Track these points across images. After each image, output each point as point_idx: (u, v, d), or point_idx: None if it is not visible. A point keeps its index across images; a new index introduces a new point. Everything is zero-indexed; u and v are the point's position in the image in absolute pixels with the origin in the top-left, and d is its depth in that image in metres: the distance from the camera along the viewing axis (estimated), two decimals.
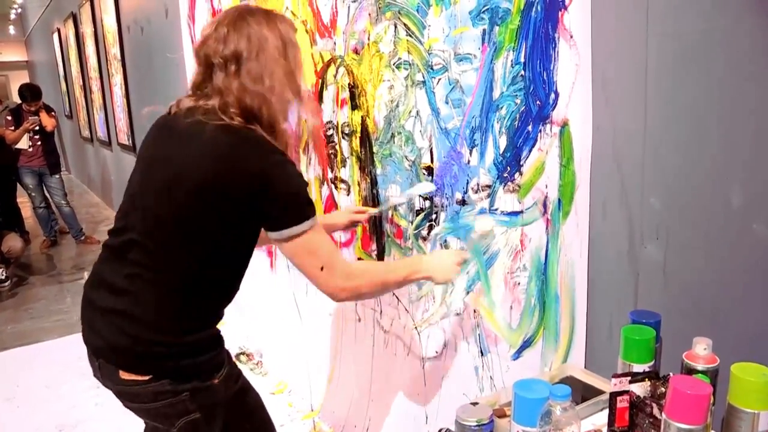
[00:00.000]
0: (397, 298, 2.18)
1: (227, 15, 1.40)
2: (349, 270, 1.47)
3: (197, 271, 1.37)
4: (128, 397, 1.42)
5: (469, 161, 1.78)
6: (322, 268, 1.40)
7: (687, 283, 1.29)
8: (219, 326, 1.49)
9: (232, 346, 3.18)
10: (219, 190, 1.31)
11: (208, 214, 1.33)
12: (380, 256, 2.22)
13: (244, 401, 1.56)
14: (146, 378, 1.36)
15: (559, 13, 1.44)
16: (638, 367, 1.14)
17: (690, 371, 1.08)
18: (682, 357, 1.10)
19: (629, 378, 1.09)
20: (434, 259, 1.64)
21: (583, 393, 1.37)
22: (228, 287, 1.48)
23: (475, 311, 1.86)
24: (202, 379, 1.41)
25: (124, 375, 1.37)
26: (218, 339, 1.47)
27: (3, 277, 4.70)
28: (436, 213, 1.95)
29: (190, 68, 3.66)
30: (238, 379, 1.56)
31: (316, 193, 2.54)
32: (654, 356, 1.16)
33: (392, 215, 2.12)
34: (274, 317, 3.10)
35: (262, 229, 1.39)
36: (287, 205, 1.35)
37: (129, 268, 1.38)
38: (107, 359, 1.40)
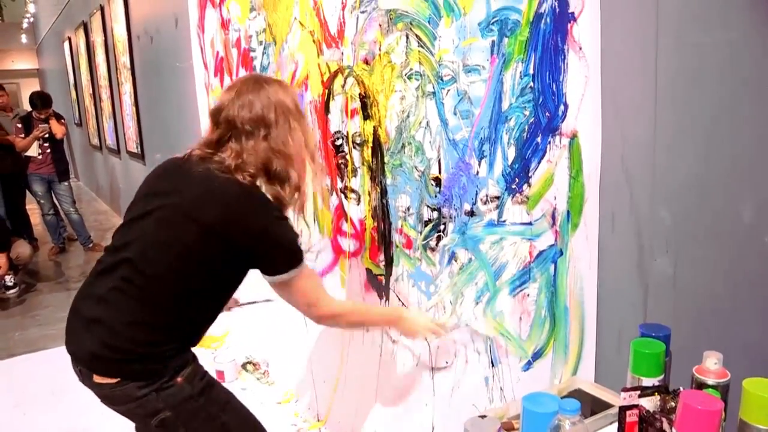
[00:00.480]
0: (404, 306, 2.18)
1: (246, 82, 1.56)
2: (332, 309, 1.69)
3: (182, 298, 1.50)
4: (107, 400, 1.56)
5: (477, 172, 1.78)
6: (308, 306, 1.64)
7: (697, 297, 1.29)
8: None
9: (238, 355, 3.18)
10: (223, 235, 1.45)
11: (208, 253, 1.47)
12: (388, 266, 2.22)
13: (213, 395, 1.62)
14: (114, 381, 1.48)
15: (569, 25, 1.45)
16: (648, 381, 1.13)
17: (700, 386, 1.07)
18: (692, 371, 1.09)
19: (639, 392, 1.08)
20: (411, 320, 1.88)
21: (592, 406, 1.36)
22: (205, 318, 1.60)
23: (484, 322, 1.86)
24: (166, 379, 1.50)
25: (97, 379, 1.50)
26: (186, 348, 1.57)
27: (11, 284, 4.71)
28: (444, 224, 1.94)
29: (200, 77, 3.69)
30: (204, 377, 1.61)
31: (323, 203, 2.55)
32: (664, 370, 1.15)
33: (402, 226, 2.12)
34: (281, 326, 3.10)
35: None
36: (281, 256, 1.53)
37: (116, 282, 1.49)
38: (85, 365, 1.53)
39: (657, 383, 1.12)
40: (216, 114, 1.56)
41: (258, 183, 1.51)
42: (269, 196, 1.52)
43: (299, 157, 1.56)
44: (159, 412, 1.51)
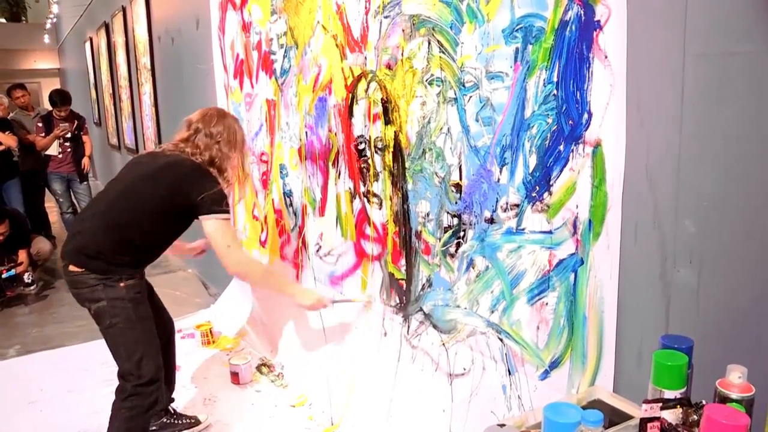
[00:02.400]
0: (424, 312, 2.17)
1: (216, 110, 2.45)
2: (245, 257, 2.48)
3: (141, 227, 2.22)
4: (72, 284, 2.21)
5: (498, 179, 1.77)
6: (227, 247, 2.26)
7: (721, 309, 1.27)
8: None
9: (253, 357, 3.19)
10: (178, 187, 2.22)
11: (166, 199, 2.22)
12: (409, 271, 2.22)
13: (139, 308, 2.22)
14: (80, 270, 2.16)
15: (594, 33, 1.44)
16: (669, 394, 1.12)
17: (724, 399, 1.05)
18: (716, 385, 1.08)
19: (660, 404, 1.07)
20: (301, 293, 2.57)
21: (611, 417, 1.34)
22: (154, 246, 2.32)
23: (500, 330, 1.85)
24: (114, 279, 2.16)
25: (71, 267, 2.18)
26: (138, 268, 2.26)
27: (30, 281, 4.76)
28: (464, 230, 1.94)
29: (220, 79, 3.71)
30: (139, 293, 2.24)
31: (347, 206, 2.55)
32: (686, 383, 1.14)
33: (421, 231, 2.12)
34: (296, 329, 3.10)
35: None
36: (209, 202, 2.20)
37: (98, 209, 2.28)
38: (67, 257, 2.20)
39: (679, 396, 1.11)
40: (189, 123, 2.38)
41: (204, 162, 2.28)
42: (212, 173, 2.28)
43: (229, 159, 2.35)
44: (99, 300, 2.16)
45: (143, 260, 2.29)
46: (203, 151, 2.29)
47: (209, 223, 2.22)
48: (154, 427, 2.59)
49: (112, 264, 2.16)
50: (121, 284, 2.17)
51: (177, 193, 2.21)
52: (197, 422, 2.71)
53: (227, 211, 2.24)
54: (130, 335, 2.19)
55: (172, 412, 2.68)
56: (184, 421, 2.68)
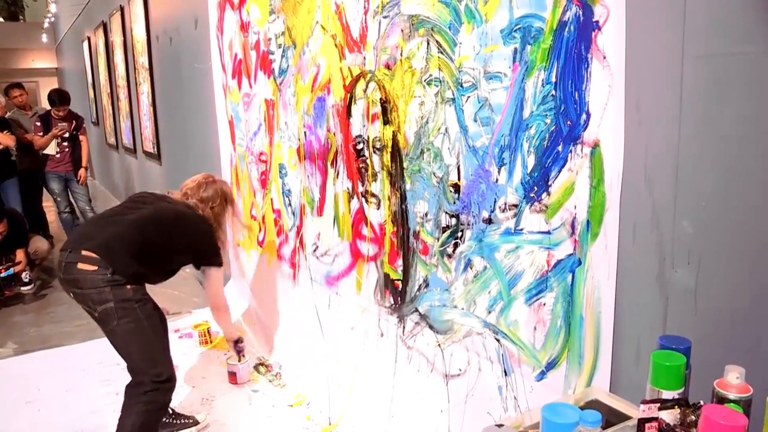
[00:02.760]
0: (420, 313, 2.17)
1: (206, 178, 2.78)
2: (224, 304, 2.89)
3: (151, 258, 2.39)
4: (75, 283, 2.25)
5: (497, 180, 1.77)
6: (216, 293, 2.78)
7: (719, 310, 1.27)
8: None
9: (251, 357, 3.19)
10: (196, 243, 2.62)
11: (185, 245, 2.57)
12: (405, 271, 2.22)
13: (145, 307, 2.31)
14: (93, 269, 2.22)
15: (593, 34, 1.44)
16: (668, 394, 1.12)
17: (721, 400, 1.06)
18: (713, 385, 1.08)
19: (658, 405, 1.07)
20: (232, 332, 3.03)
21: (608, 417, 1.34)
22: (161, 274, 2.54)
23: (497, 331, 1.85)
24: (122, 283, 2.25)
25: (82, 266, 2.23)
26: (143, 283, 2.37)
27: (27, 280, 4.75)
28: (461, 231, 1.94)
29: (218, 79, 3.71)
30: (145, 295, 2.35)
31: (345, 206, 2.56)
32: (684, 383, 1.14)
33: (419, 231, 2.12)
34: (294, 329, 3.10)
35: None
36: (211, 256, 2.67)
37: (120, 218, 2.43)
38: (89, 247, 2.26)
39: (677, 396, 1.11)
40: (186, 193, 2.71)
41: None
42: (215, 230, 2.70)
43: (222, 217, 2.78)
44: (107, 302, 2.21)
45: (149, 280, 2.46)
46: (202, 209, 2.68)
47: (211, 272, 2.70)
48: None
49: (122, 274, 2.25)
50: (128, 287, 2.26)
51: (195, 245, 2.61)
52: (195, 422, 2.73)
53: (221, 264, 2.73)
54: (141, 335, 2.27)
55: (171, 411, 2.68)
56: (182, 420, 2.71)
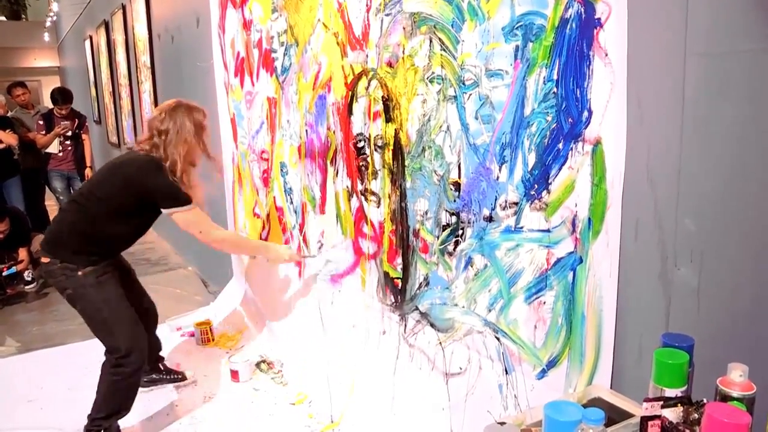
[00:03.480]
0: (420, 311, 2.17)
1: (167, 106, 2.55)
2: (216, 236, 2.65)
3: (107, 219, 2.43)
4: (46, 275, 2.54)
5: (498, 177, 1.77)
6: (200, 232, 2.56)
7: (722, 308, 1.27)
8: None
9: (253, 354, 3.19)
10: (136, 184, 2.42)
11: (127, 193, 2.42)
12: (405, 269, 2.22)
13: (101, 291, 2.44)
14: (48, 260, 2.42)
15: (595, 31, 1.44)
16: (670, 392, 1.12)
17: (725, 398, 1.05)
18: (717, 383, 1.08)
19: (661, 402, 1.07)
20: (275, 250, 2.88)
21: (610, 415, 1.34)
22: (119, 240, 2.57)
23: (497, 329, 1.85)
24: (74, 269, 2.39)
25: (43, 259, 2.46)
26: (101, 259, 2.46)
27: (30, 279, 4.76)
28: (462, 229, 1.94)
29: (220, 77, 3.71)
30: (101, 277, 2.44)
31: (345, 205, 2.55)
32: (687, 381, 1.13)
33: (419, 229, 2.12)
34: (297, 327, 3.10)
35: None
36: (167, 198, 2.44)
37: (71, 204, 2.53)
38: (43, 248, 2.46)
39: (680, 394, 1.11)
40: (148, 123, 2.56)
41: (160, 159, 2.44)
42: (163, 167, 2.43)
43: (182, 157, 2.46)
44: (66, 289, 2.43)
45: (107, 253, 2.51)
46: (156, 150, 2.46)
47: (176, 217, 2.48)
48: (144, 380, 2.87)
49: (73, 254, 2.41)
50: (79, 273, 2.40)
51: (132, 189, 2.42)
52: (183, 377, 3.03)
53: (187, 202, 2.46)
54: (98, 316, 2.46)
55: (162, 368, 3.02)
56: (171, 376, 3.03)
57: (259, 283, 3.56)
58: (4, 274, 4.53)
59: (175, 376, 3.01)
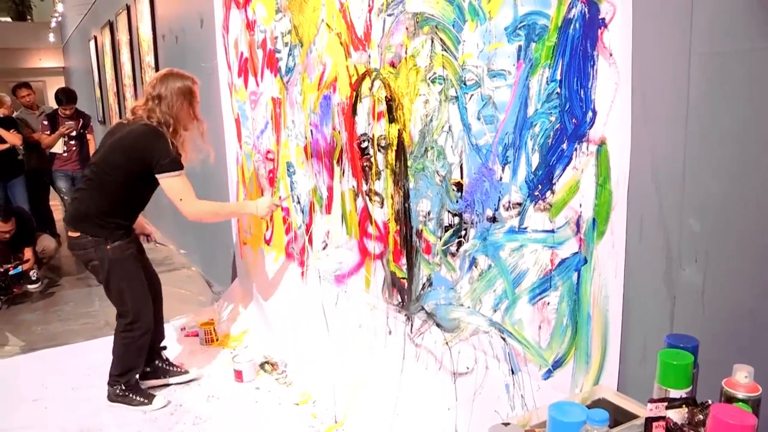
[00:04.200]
0: (426, 311, 2.17)
1: (160, 74, 2.80)
2: (197, 206, 2.78)
3: (119, 190, 2.67)
4: (72, 248, 2.78)
5: (501, 178, 1.76)
6: (180, 200, 2.71)
7: (727, 308, 1.26)
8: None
9: (257, 354, 3.19)
10: (136, 152, 2.64)
11: (130, 160, 2.65)
12: (410, 270, 2.22)
13: (126, 265, 2.75)
14: (77, 235, 2.70)
15: (599, 31, 1.43)
16: (675, 393, 1.12)
17: (730, 399, 1.05)
18: (722, 384, 1.07)
19: (666, 404, 1.06)
20: (255, 204, 3.00)
21: (615, 416, 1.34)
22: (134, 205, 2.80)
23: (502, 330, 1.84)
24: (102, 241, 2.67)
25: (70, 233, 2.73)
26: (126, 229, 2.75)
27: (34, 278, 4.77)
28: (465, 229, 1.93)
29: (224, 77, 3.72)
30: (126, 252, 2.73)
31: (351, 205, 2.55)
32: (692, 382, 1.13)
33: (422, 230, 2.12)
34: (301, 327, 3.10)
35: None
36: (162, 161, 2.62)
37: (84, 183, 2.76)
38: (67, 223, 2.75)
39: (684, 395, 1.10)
40: (144, 91, 2.77)
41: (156, 125, 2.65)
42: (163, 133, 2.64)
43: (178, 120, 2.71)
44: (92, 260, 2.71)
45: (126, 219, 2.77)
46: (151, 114, 2.67)
47: (162, 181, 2.66)
48: (147, 369, 3.07)
49: (100, 226, 2.67)
50: (108, 246, 2.68)
51: (133, 157, 2.64)
52: (186, 371, 3.15)
53: (177, 169, 2.66)
54: (117, 287, 2.77)
55: (165, 358, 3.17)
56: (173, 368, 3.15)
57: (263, 284, 3.56)
58: (9, 273, 4.54)
59: (177, 369, 3.15)
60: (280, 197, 3.17)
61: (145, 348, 2.91)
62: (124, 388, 2.88)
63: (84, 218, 2.69)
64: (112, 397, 2.89)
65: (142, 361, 2.95)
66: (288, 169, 3.11)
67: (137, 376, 2.95)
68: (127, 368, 2.88)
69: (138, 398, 2.89)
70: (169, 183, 2.66)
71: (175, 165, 2.65)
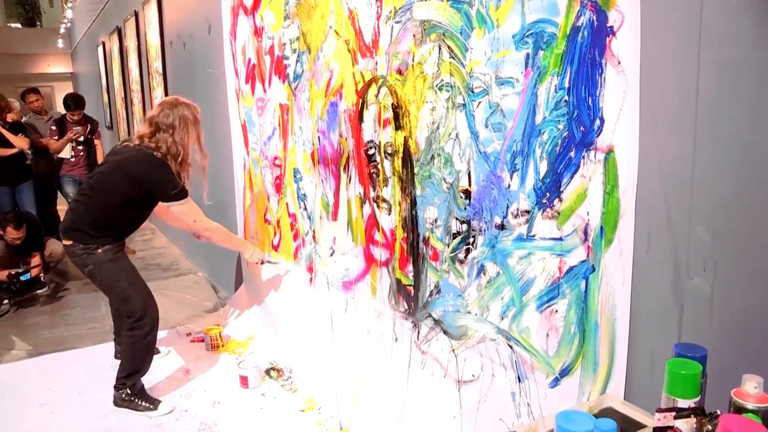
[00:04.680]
0: (434, 318, 2.17)
1: (168, 101, 2.83)
2: (206, 226, 3.01)
3: (115, 209, 2.78)
4: (68, 255, 2.87)
5: (509, 185, 1.76)
6: (195, 221, 2.94)
7: (735, 318, 1.26)
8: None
9: (262, 360, 3.19)
10: (139, 178, 2.71)
11: (131, 187, 2.73)
12: (416, 277, 2.21)
13: (118, 265, 2.84)
14: (70, 243, 2.79)
15: (607, 39, 1.43)
16: (683, 403, 1.11)
17: (739, 410, 1.04)
18: (731, 395, 1.07)
19: (674, 413, 1.06)
20: (253, 249, 3.33)
21: (622, 425, 1.33)
22: (128, 224, 2.91)
23: (509, 337, 1.84)
24: (94, 248, 2.76)
25: (64, 242, 2.82)
26: (116, 239, 2.84)
27: (42, 282, 4.79)
28: (473, 237, 1.93)
29: (231, 83, 3.73)
30: (117, 254, 2.84)
31: (357, 212, 2.56)
32: (700, 392, 1.12)
33: (429, 237, 2.12)
34: (307, 334, 3.10)
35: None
36: (168, 192, 2.73)
37: (83, 194, 2.87)
38: (62, 233, 2.83)
39: (693, 405, 1.10)
40: (150, 119, 2.79)
41: (163, 156, 2.73)
42: (168, 164, 2.73)
43: (186, 149, 2.79)
44: (87, 265, 2.80)
45: (119, 234, 2.87)
46: (160, 145, 2.72)
47: (174, 208, 2.78)
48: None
49: (91, 237, 2.76)
50: (99, 250, 2.78)
51: (136, 184, 2.73)
52: (157, 351, 3.28)
53: (185, 197, 2.78)
54: (117, 287, 2.86)
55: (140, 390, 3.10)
56: (144, 403, 2.99)
57: (269, 290, 3.56)
58: (21, 278, 4.55)
59: (148, 405, 2.95)
60: (268, 260, 3.44)
61: (152, 347, 2.97)
62: (129, 392, 2.89)
63: (77, 228, 2.77)
64: (118, 402, 2.90)
65: (148, 365, 2.98)
66: (295, 176, 3.12)
67: (143, 382, 2.95)
68: (134, 370, 2.91)
69: (144, 403, 2.89)
70: (180, 210, 2.80)
71: (183, 194, 2.76)
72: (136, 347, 2.89)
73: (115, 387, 2.91)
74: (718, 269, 1.27)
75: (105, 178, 2.78)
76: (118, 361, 3.03)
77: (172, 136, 2.73)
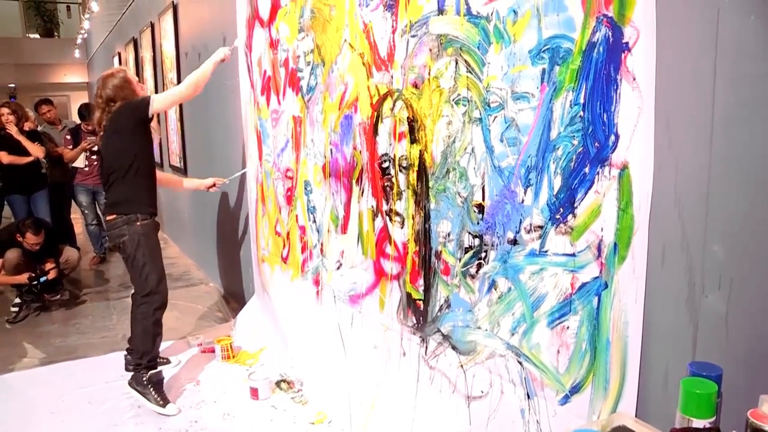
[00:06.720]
0: (442, 333, 2.16)
1: (99, 81, 3.16)
2: (181, 92, 3.31)
3: (128, 175, 3.06)
4: (109, 228, 3.15)
5: (523, 200, 1.76)
6: (173, 99, 3.37)
7: (751, 336, 1.25)
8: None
9: (273, 372, 3.19)
10: (123, 123, 3.05)
11: (123, 138, 3.06)
12: (426, 291, 2.21)
13: (150, 241, 3.10)
14: (113, 217, 3.08)
15: (623, 55, 1.43)
16: (698, 423, 1.10)
17: (756, 431, 1.03)
18: (747, 415, 1.05)
19: None
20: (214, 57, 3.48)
21: None
22: (146, 193, 3.14)
23: (519, 353, 1.83)
24: (132, 220, 3.05)
25: (108, 218, 3.12)
26: (151, 213, 3.13)
27: (57, 288, 4.82)
28: (485, 251, 1.93)
29: (245, 95, 3.75)
30: (149, 230, 3.09)
31: (369, 225, 2.56)
32: (715, 412, 1.11)
33: (441, 251, 2.11)
34: (317, 347, 3.10)
35: None
36: (145, 103, 3.05)
37: (111, 177, 3.11)
38: (105, 209, 3.17)
39: (708, 425, 1.09)
40: (96, 103, 3.17)
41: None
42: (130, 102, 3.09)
43: (129, 96, 3.11)
44: (123, 236, 3.06)
45: (148, 205, 3.14)
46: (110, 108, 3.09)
47: (156, 105, 3.09)
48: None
49: (131, 211, 3.05)
50: (138, 223, 3.06)
51: (126, 127, 3.04)
52: (168, 361, 3.51)
53: (148, 96, 3.12)
54: (139, 261, 3.08)
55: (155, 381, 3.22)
56: (154, 395, 3.11)
57: (281, 301, 3.57)
58: (40, 280, 4.59)
59: (162, 359, 3.34)
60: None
61: (159, 325, 3.15)
62: (147, 378, 3.05)
63: (120, 203, 3.06)
64: (133, 384, 3.06)
65: (157, 346, 3.15)
66: (305, 188, 3.13)
67: (163, 375, 3.15)
68: (145, 350, 3.08)
69: (155, 396, 3.02)
70: (158, 99, 3.12)
71: (146, 97, 3.10)
72: (146, 323, 3.07)
73: (133, 369, 3.10)
74: (734, 287, 1.26)
75: (110, 156, 3.09)
76: (130, 373, 3.12)
77: (120, 98, 3.06)
